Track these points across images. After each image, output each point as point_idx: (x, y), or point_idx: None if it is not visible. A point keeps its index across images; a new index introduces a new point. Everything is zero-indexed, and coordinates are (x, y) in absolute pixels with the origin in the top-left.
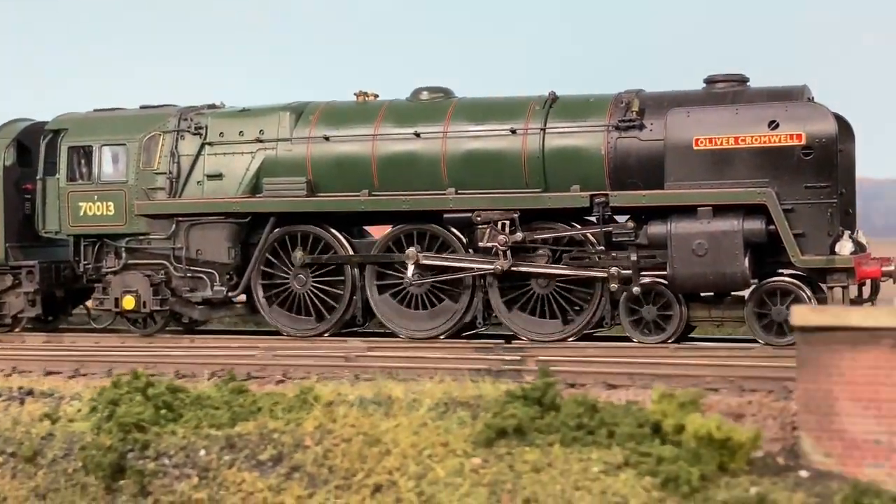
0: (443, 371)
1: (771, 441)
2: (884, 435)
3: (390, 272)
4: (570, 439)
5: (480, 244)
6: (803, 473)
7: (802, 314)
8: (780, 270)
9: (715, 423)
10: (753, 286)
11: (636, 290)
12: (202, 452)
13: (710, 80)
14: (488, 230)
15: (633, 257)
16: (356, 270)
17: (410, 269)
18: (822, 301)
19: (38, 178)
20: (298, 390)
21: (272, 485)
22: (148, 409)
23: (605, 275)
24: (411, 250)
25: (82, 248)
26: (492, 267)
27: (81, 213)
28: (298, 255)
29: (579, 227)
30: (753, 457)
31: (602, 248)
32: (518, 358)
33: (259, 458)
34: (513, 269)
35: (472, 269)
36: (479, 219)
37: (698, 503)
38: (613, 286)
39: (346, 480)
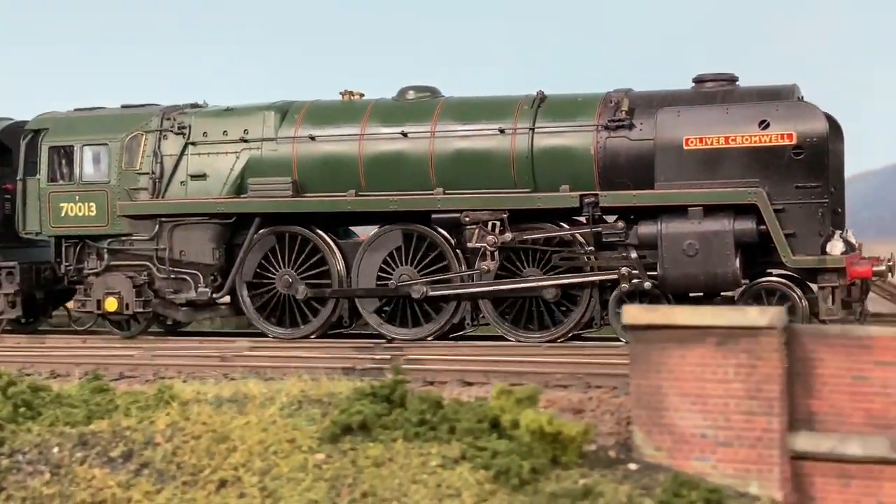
0: (309, 370)
1: (606, 435)
2: (709, 429)
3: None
4: (413, 435)
5: (469, 245)
6: (632, 466)
7: (633, 313)
8: (769, 270)
9: (547, 418)
10: (744, 287)
11: (648, 285)
12: (55, 449)
13: (699, 80)
14: (477, 231)
15: (634, 255)
16: (343, 272)
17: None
18: (812, 301)
19: (18, 178)
20: (156, 389)
21: (121, 481)
22: (6, 407)
23: (595, 280)
24: (420, 288)
25: (63, 249)
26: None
27: (63, 214)
28: (300, 288)
29: (568, 227)
30: (587, 450)
31: (592, 248)
32: (389, 357)
33: (110, 455)
34: (503, 286)
35: (465, 277)
36: (467, 219)
37: (528, 495)
38: (625, 286)
39: (193, 476)
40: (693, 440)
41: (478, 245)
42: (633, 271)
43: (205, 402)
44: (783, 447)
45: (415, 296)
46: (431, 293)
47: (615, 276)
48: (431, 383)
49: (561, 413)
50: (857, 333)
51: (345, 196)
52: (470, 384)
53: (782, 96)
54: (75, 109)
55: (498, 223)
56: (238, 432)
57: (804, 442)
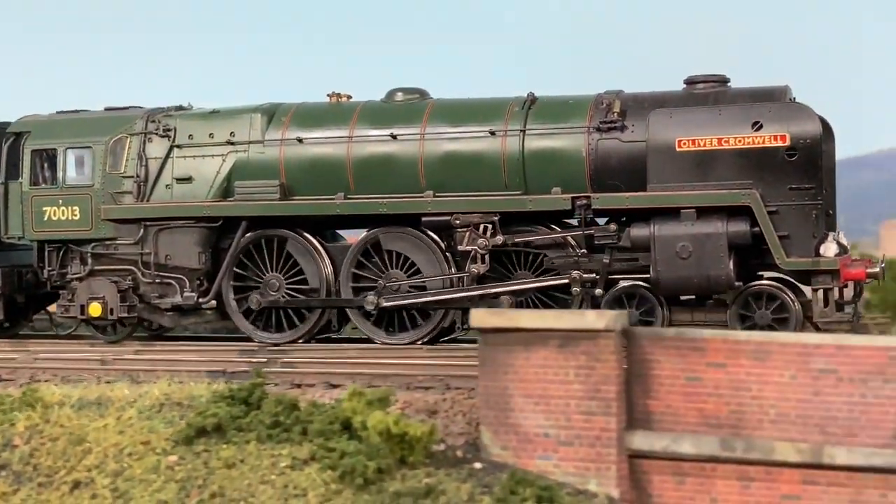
0: (182, 373)
1: (457, 435)
2: (552, 429)
3: (368, 277)
4: (266, 436)
5: (460, 248)
6: (477, 465)
7: (480, 316)
8: (760, 273)
9: (393, 420)
10: (737, 290)
11: (598, 292)
12: None
13: (690, 81)
14: (468, 233)
15: (606, 260)
16: (331, 276)
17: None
18: (804, 304)
19: None
20: (22, 392)
21: None
22: None
23: (566, 280)
24: (370, 297)
25: (46, 253)
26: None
27: (45, 218)
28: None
29: (559, 229)
30: (436, 450)
31: (584, 250)
32: (265, 360)
33: None
34: (489, 289)
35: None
36: (458, 222)
37: (372, 494)
38: (575, 290)
39: (48, 478)
40: (536, 439)
41: (468, 248)
42: (587, 275)
43: (68, 405)
44: (620, 446)
45: (367, 307)
46: (385, 304)
47: (565, 281)
48: (299, 386)
49: (416, 414)
50: (690, 336)
51: (333, 199)
52: (335, 386)
53: (775, 97)
54: (57, 112)
55: (489, 226)
56: (94, 435)
57: (640, 441)
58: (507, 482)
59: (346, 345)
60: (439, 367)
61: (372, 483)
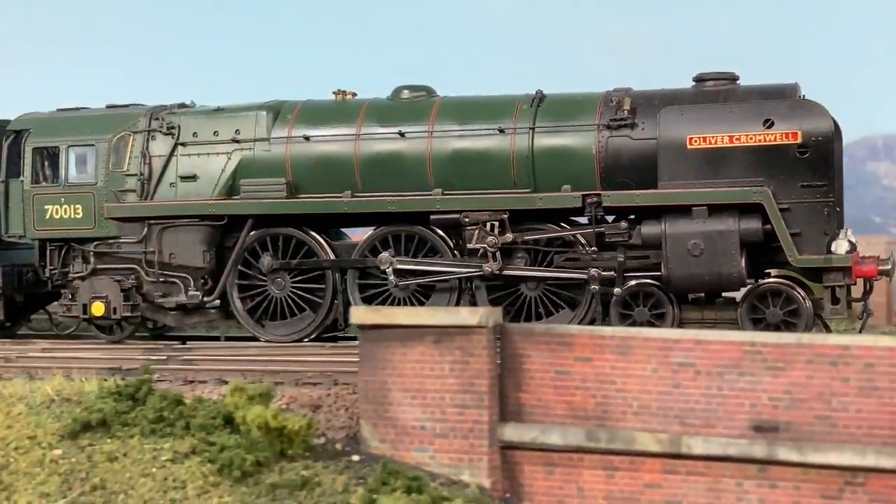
0: (79, 370)
1: (338, 429)
2: (428, 422)
3: (373, 275)
4: (150, 431)
5: (469, 246)
6: (355, 457)
7: (359, 313)
8: (767, 271)
9: (272, 414)
10: (748, 288)
11: (617, 291)
12: None
13: (699, 79)
14: (477, 231)
15: (620, 258)
16: (337, 274)
17: (390, 274)
18: (815, 302)
19: (0, 180)
20: None
21: None
22: None
23: (585, 277)
24: (385, 255)
25: (48, 252)
26: (479, 271)
27: (47, 217)
28: (266, 261)
29: (569, 227)
30: (317, 444)
31: (595, 248)
32: (164, 357)
33: None
34: (502, 272)
35: (457, 272)
36: (467, 220)
37: (250, 486)
38: (594, 288)
39: None
40: (413, 432)
41: (478, 246)
42: (605, 273)
43: None
44: (492, 438)
45: (382, 266)
46: (398, 265)
47: (584, 277)
48: (191, 382)
49: (301, 409)
50: (559, 331)
51: (341, 197)
52: (226, 383)
53: (785, 95)
54: (58, 110)
55: (497, 224)
56: None
57: (512, 432)
58: (380, 473)
59: (247, 343)
60: (329, 364)
61: (250, 475)
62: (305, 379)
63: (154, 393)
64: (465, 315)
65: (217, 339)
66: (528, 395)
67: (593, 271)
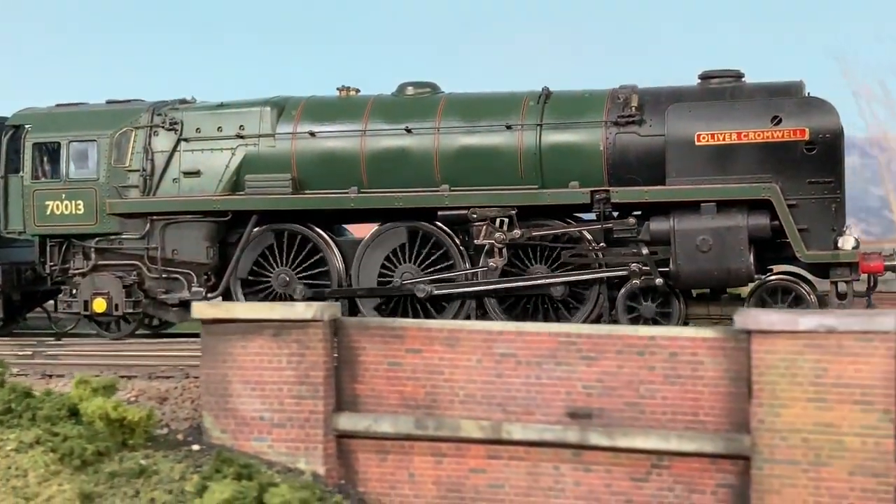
0: None
1: (182, 420)
2: (266, 412)
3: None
4: None
5: (476, 242)
6: (195, 447)
7: (200, 308)
8: (770, 267)
9: (112, 406)
10: (756, 284)
11: (659, 281)
12: None
13: (705, 76)
14: (485, 228)
15: (645, 251)
16: (342, 270)
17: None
18: (820, 298)
19: None
20: None
21: None
22: None
23: (603, 276)
24: (425, 287)
25: (48, 248)
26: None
27: (48, 213)
28: (298, 288)
29: (575, 223)
30: (159, 434)
31: (603, 244)
32: (31, 353)
33: None
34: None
35: (470, 275)
36: (475, 216)
37: (90, 475)
38: (636, 282)
39: None
40: (253, 422)
41: (486, 242)
42: (644, 268)
43: None
44: (327, 427)
45: (419, 295)
46: (436, 292)
47: (625, 273)
48: (50, 376)
49: (149, 401)
50: (391, 325)
51: (347, 193)
52: None
53: (791, 93)
54: (57, 105)
55: (506, 220)
56: None
57: (346, 422)
58: (214, 461)
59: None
60: (183, 358)
61: (90, 464)
62: (158, 373)
63: (4, 386)
64: (301, 309)
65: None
66: (362, 385)
67: (634, 266)
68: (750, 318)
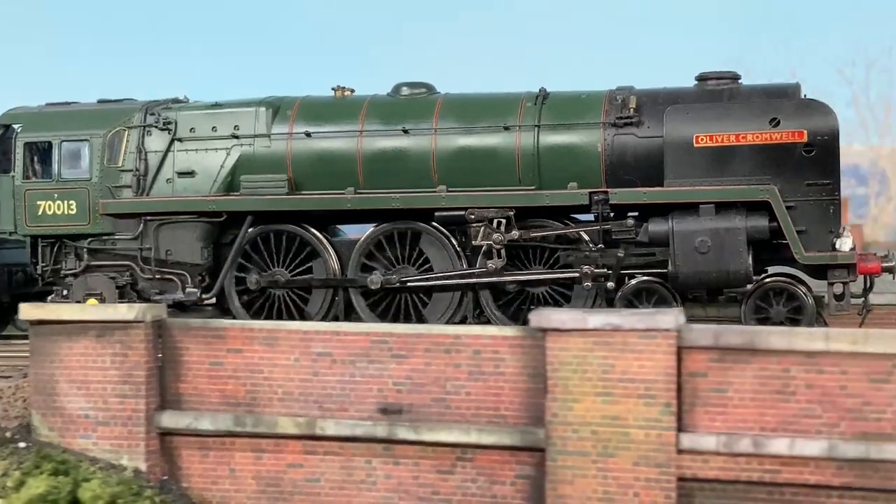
0: None
1: (13, 418)
2: (91, 411)
3: (376, 267)
4: None
5: (474, 243)
6: (22, 444)
7: (27, 310)
8: (766, 268)
9: None
10: (753, 286)
11: (610, 285)
12: None
13: (701, 78)
14: (482, 228)
15: (620, 254)
16: (338, 271)
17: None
18: (817, 299)
19: None
20: None
21: None
22: None
23: (576, 274)
24: (374, 280)
25: (40, 248)
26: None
27: (40, 213)
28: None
29: (573, 224)
30: None
31: (601, 245)
32: None
33: None
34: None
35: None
36: (472, 217)
37: None
38: (587, 284)
39: None
40: (79, 421)
41: (483, 243)
42: (598, 270)
43: None
44: (150, 425)
45: (371, 286)
46: (390, 285)
47: (576, 274)
48: None
49: None
50: (213, 325)
51: (344, 194)
52: None
53: (788, 94)
54: (47, 104)
55: (504, 221)
56: None
57: (168, 420)
58: (34, 458)
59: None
60: (25, 358)
61: None
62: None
63: None
64: (124, 311)
65: None
66: (186, 384)
67: (585, 269)
68: (543, 316)
